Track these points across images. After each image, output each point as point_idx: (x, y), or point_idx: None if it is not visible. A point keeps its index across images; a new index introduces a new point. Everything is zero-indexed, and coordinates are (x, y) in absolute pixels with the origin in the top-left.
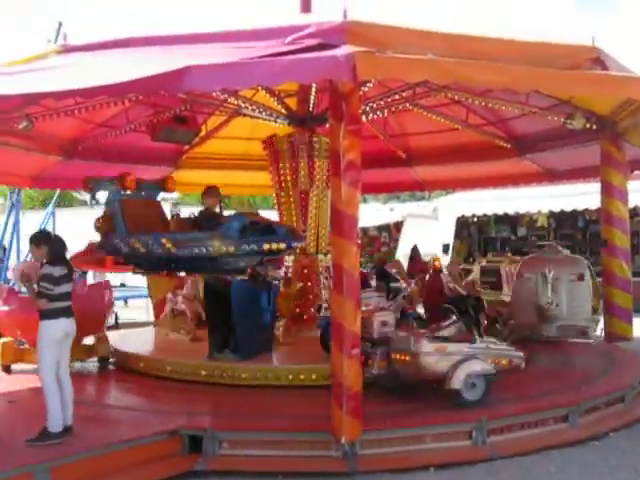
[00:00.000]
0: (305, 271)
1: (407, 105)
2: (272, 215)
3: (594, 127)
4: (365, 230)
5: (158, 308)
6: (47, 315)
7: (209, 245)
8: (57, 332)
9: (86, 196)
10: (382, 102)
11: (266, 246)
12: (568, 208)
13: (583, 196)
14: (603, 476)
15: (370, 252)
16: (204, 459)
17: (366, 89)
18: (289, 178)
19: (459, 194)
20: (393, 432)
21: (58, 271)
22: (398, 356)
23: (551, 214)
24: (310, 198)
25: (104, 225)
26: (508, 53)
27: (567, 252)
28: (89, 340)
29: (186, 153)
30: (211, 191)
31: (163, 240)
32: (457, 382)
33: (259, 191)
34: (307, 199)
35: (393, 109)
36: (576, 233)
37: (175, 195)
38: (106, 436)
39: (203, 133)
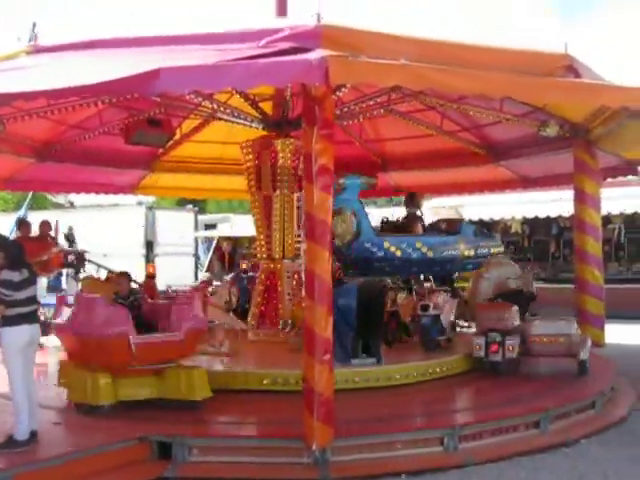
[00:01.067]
0: (271, 276)
1: (382, 111)
2: (247, 220)
3: (567, 134)
4: None
5: None
6: (7, 322)
7: (456, 248)
8: (20, 339)
9: (60, 199)
10: (357, 107)
11: (494, 250)
12: (542, 215)
13: (557, 203)
14: None
15: None
16: (173, 465)
17: (341, 94)
18: (253, 182)
19: (434, 200)
20: (365, 439)
21: (18, 276)
22: (545, 339)
23: (525, 220)
24: (274, 202)
25: (346, 227)
26: (482, 60)
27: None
28: None
29: (161, 156)
30: (414, 197)
31: (418, 244)
32: (586, 354)
33: (235, 195)
34: (271, 203)
35: (368, 114)
36: (550, 240)
37: (150, 199)
38: (72, 442)
39: (178, 136)
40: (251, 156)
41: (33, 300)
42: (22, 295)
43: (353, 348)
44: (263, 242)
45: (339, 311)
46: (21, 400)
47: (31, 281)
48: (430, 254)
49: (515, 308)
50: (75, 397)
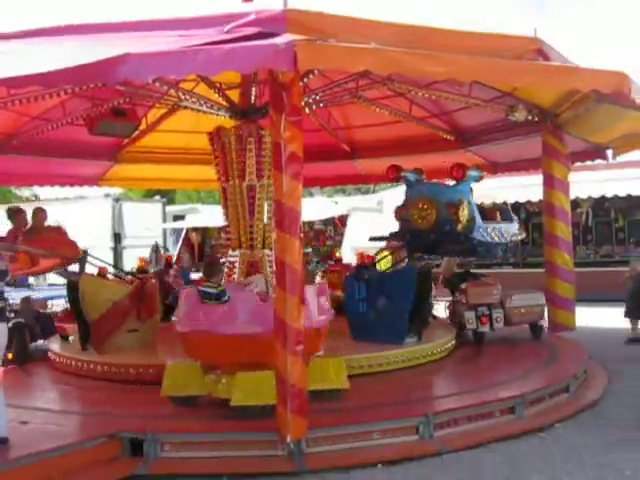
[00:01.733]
0: (251, 266)
1: (350, 97)
2: (216, 210)
3: (536, 119)
4: (311, 224)
5: (98, 327)
6: None
7: (515, 234)
8: None
9: (25, 192)
10: (325, 94)
11: (523, 235)
12: (510, 200)
13: (525, 188)
14: (550, 468)
15: (316, 246)
16: (145, 463)
17: (308, 81)
18: (236, 172)
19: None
20: (339, 429)
21: None
22: (523, 310)
23: (493, 206)
24: (257, 192)
25: (467, 214)
26: (451, 44)
27: None
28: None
29: (126, 147)
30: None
31: (502, 229)
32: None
33: (202, 185)
34: (254, 193)
35: (336, 101)
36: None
37: (118, 191)
38: (40, 442)
39: (143, 126)
40: (232, 144)
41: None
42: None
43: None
44: (242, 232)
45: (396, 296)
46: None
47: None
48: (507, 239)
49: (499, 285)
50: (242, 399)
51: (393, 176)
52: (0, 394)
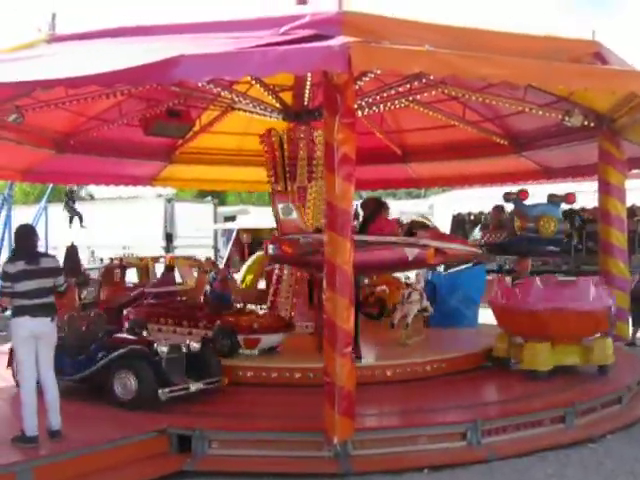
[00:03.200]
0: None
1: (403, 101)
2: (266, 212)
3: (592, 124)
4: None
5: None
6: (13, 313)
7: None
8: (20, 331)
9: (81, 191)
10: (378, 97)
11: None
12: (565, 206)
13: (579, 195)
14: None
15: None
16: (193, 459)
17: (362, 83)
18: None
19: (455, 191)
20: (386, 432)
21: (13, 268)
22: None
23: None
24: (309, 193)
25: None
26: (506, 46)
27: None
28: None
29: (179, 148)
30: None
31: None
32: None
33: (253, 187)
34: (305, 194)
35: (389, 105)
36: (572, 232)
37: (170, 191)
38: (91, 435)
39: (197, 128)
40: (288, 145)
41: (38, 293)
42: (22, 287)
43: None
44: None
45: (470, 288)
46: (26, 394)
47: (35, 273)
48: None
49: None
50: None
51: (524, 197)
52: (51, 390)
